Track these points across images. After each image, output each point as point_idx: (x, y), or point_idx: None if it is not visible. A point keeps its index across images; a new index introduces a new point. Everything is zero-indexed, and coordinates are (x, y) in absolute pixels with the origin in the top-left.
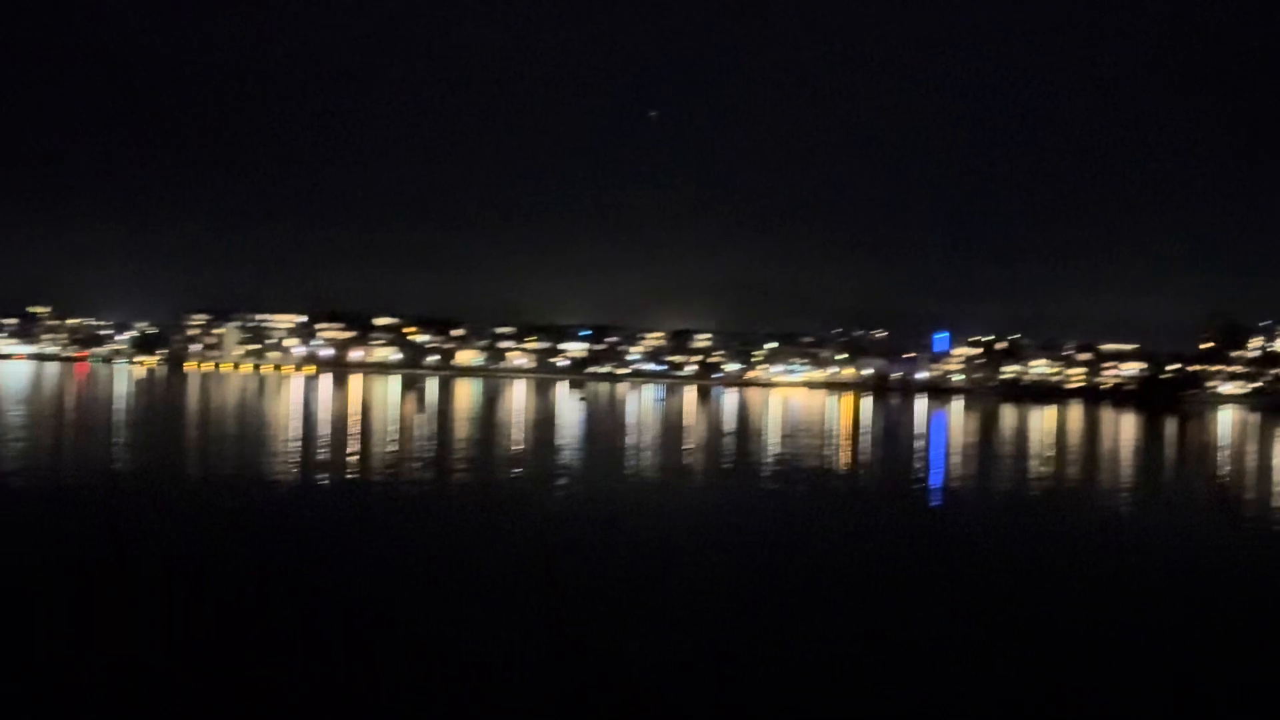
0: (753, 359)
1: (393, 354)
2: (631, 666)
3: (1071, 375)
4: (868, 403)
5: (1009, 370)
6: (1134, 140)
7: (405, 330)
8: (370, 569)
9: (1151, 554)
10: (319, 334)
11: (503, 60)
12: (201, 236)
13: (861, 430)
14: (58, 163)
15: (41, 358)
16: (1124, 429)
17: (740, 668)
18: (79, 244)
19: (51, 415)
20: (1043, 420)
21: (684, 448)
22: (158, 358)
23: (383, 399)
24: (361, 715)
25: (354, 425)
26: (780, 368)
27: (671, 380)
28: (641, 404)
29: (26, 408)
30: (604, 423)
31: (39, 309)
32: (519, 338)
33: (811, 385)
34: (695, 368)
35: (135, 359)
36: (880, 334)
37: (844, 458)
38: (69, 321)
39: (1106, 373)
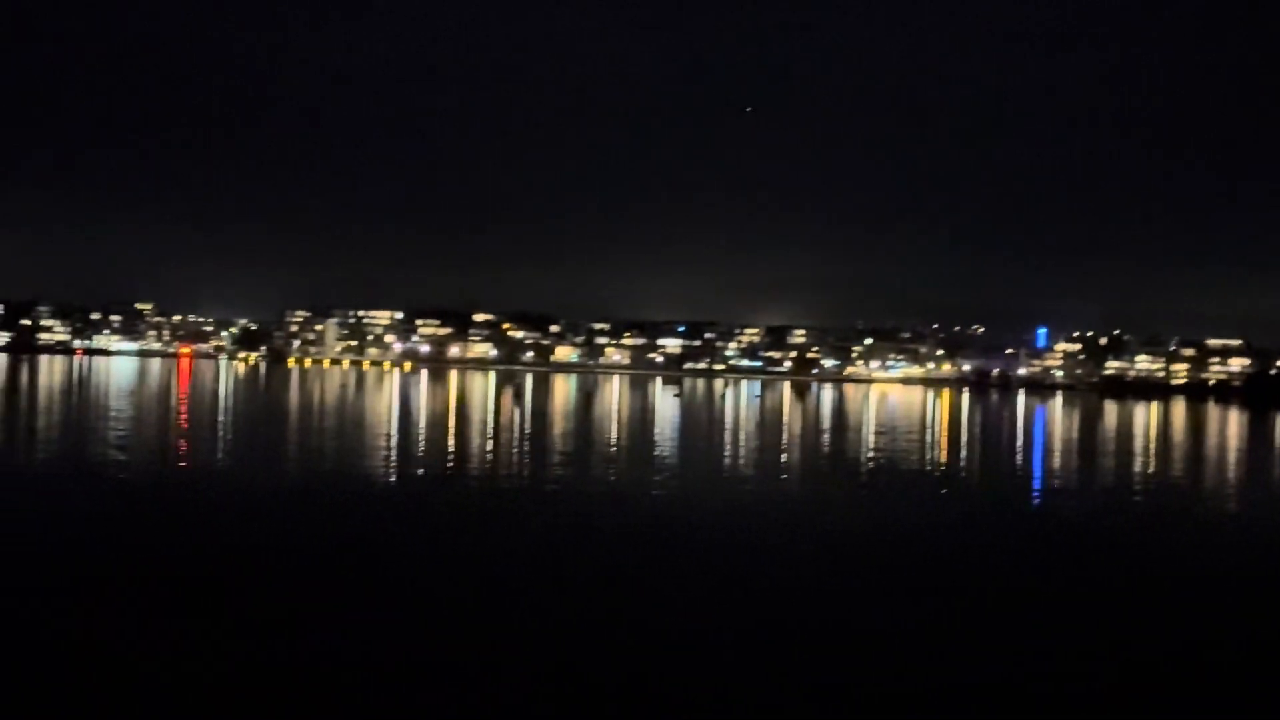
0: (850, 355)
1: (490, 350)
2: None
3: (1175, 371)
4: (967, 399)
5: (1111, 366)
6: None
7: (502, 327)
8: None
9: None
10: (417, 330)
11: (597, 60)
12: (303, 234)
13: (964, 427)
14: (161, 159)
15: (145, 353)
16: (1232, 427)
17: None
18: (183, 241)
19: (172, 410)
20: (1147, 417)
21: (782, 445)
22: (259, 353)
23: (481, 395)
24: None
25: (460, 421)
26: (878, 364)
27: (768, 376)
28: (738, 400)
29: (141, 403)
30: (701, 419)
31: (143, 305)
32: (615, 334)
33: (909, 381)
34: (792, 364)
35: (237, 355)
36: (978, 329)
37: (948, 456)
38: (173, 318)
39: (1212, 369)
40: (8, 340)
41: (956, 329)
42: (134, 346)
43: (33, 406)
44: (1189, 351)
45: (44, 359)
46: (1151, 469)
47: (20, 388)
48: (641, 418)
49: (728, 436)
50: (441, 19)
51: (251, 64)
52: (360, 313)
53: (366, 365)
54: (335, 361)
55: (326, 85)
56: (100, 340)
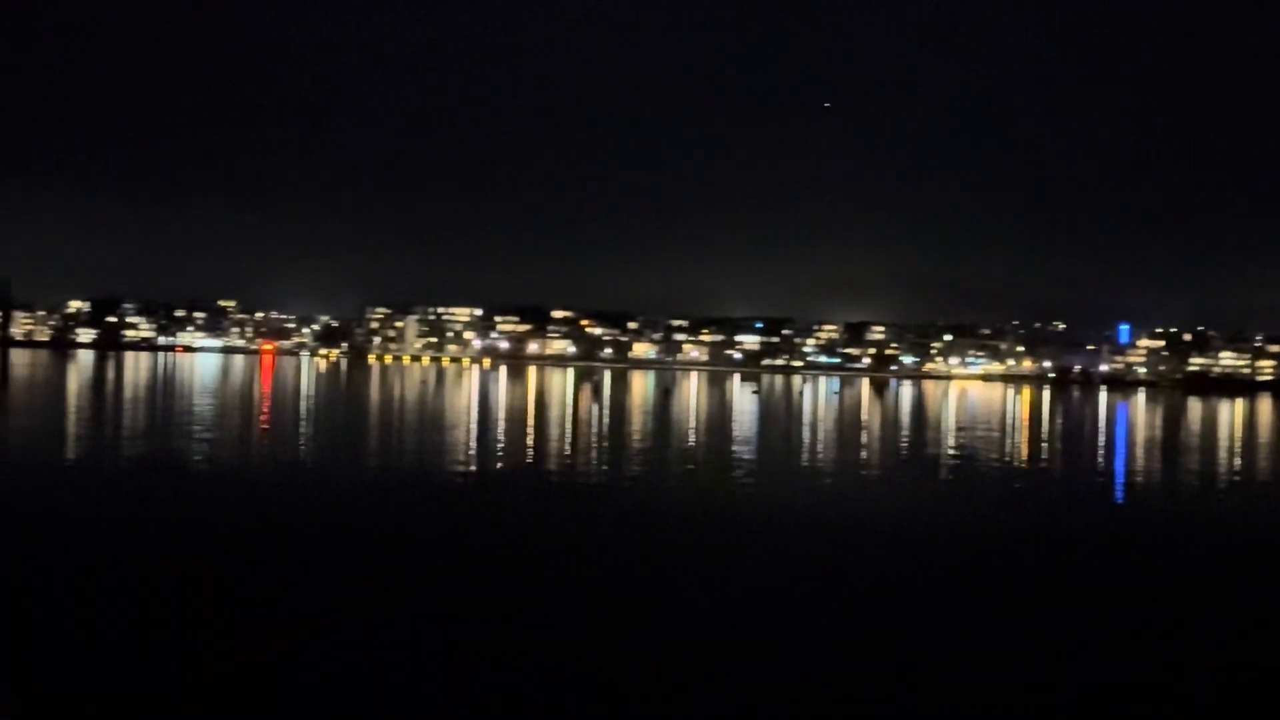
0: (930, 351)
1: (568, 347)
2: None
3: (1261, 368)
4: (1048, 396)
5: (1195, 363)
6: None
7: (581, 323)
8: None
9: None
10: (496, 327)
11: (675, 58)
12: (384, 231)
13: (1046, 424)
14: (245, 157)
15: (228, 350)
16: None
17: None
18: (266, 238)
19: (255, 405)
20: (1232, 414)
21: (861, 441)
22: (340, 350)
23: (560, 391)
24: None
25: (539, 417)
26: (957, 360)
27: (846, 373)
28: (816, 397)
29: (226, 399)
30: (779, 415)
31: (226, 303)
32: (693, 331)
33: (989, 378)
34: (870, 360)
35: (319, 351)
36: (1060, 326)
37: (1031, 451)
38: (256, 315)
39: None
40: (94, 337)
41: (1037, 325)
42: (217, 343)
43: (119, 403)
44: (1275, 348)
45: (129, 355)
46: (1239, 465)
47: (108, 384)
48: (720, 414)
49: (806, 433)
50: (519, 15)
51: (335, 60)
52: (440, 309)
53: (446, 362)
54: (415, 358)
55: (408, 81)
56: (184, 337)
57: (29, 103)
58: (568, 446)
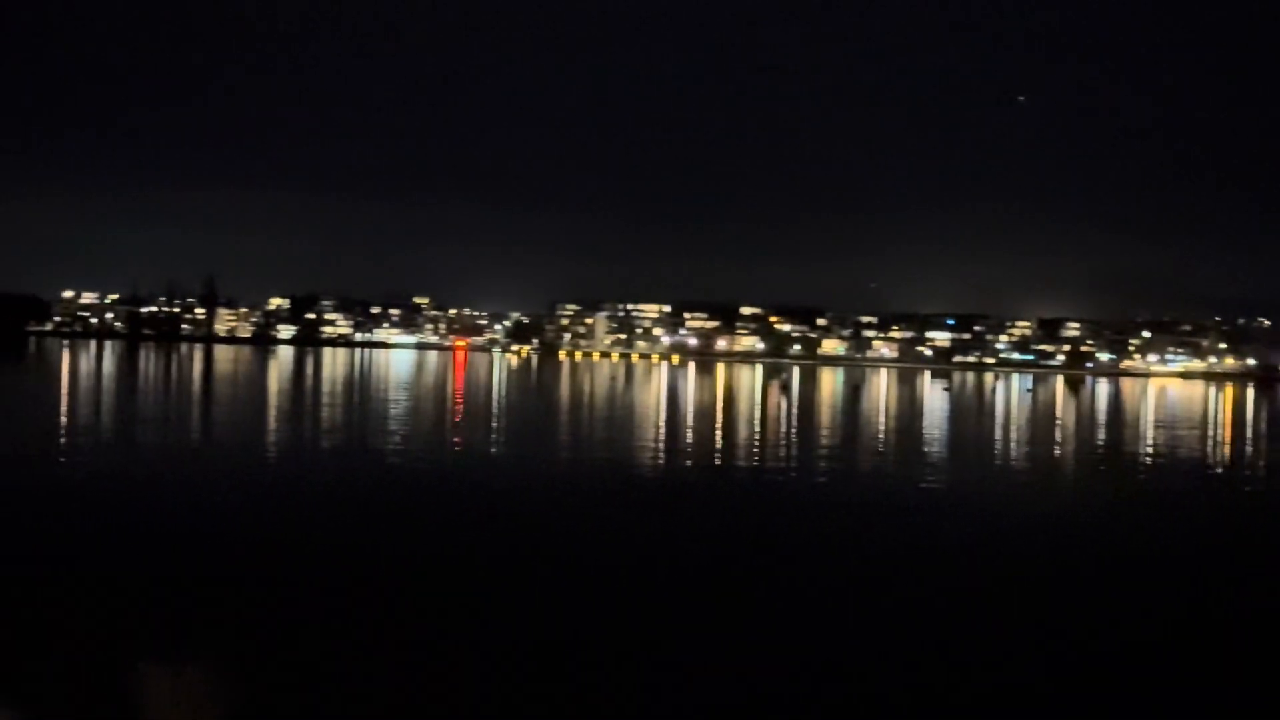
0: (1127, 348)
1: (756, 343)
2: None
3: None
4: (1251, 395)
5: None
6: None
7: (769, 320)
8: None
9: None
10: (685, 324)
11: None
12: (575, 228)
13: (1250, 424)
14: (438, 155)
15: (422, 346)
16: None
17: None
18: (460, 237)
19: (449, 400)
20: None
21: (1055, 439)
22: (531, 346)
23: (749, 387)
24: None
25: (728, 413)
26: (1156, 357)
27: (1040, 370)
28: (1009, 394)
29: (421, 393)
30: (971, 413)
31: (421, 299)
32: (883, 327)
33: (1189, 376)
34: (1065, 357)
35: (510, 347)
36: (1264, 322)
37: (1233, 455)
38: (449, 311)
39: None
40: (294, 334)
41: (1241, 321)
42: (411, 339)
43: (316, 397)
44: None
45: (326, 351)
46: None
47: (308, 378)
48: (910, 411)
49: (998, 430)
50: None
51: (526, 61)
52: (629, 306)
53: (635, 358)
54: (605, 354)
55: (601, 80)
56: (380, 333)
57: (233, 111)
58: (756, 443)
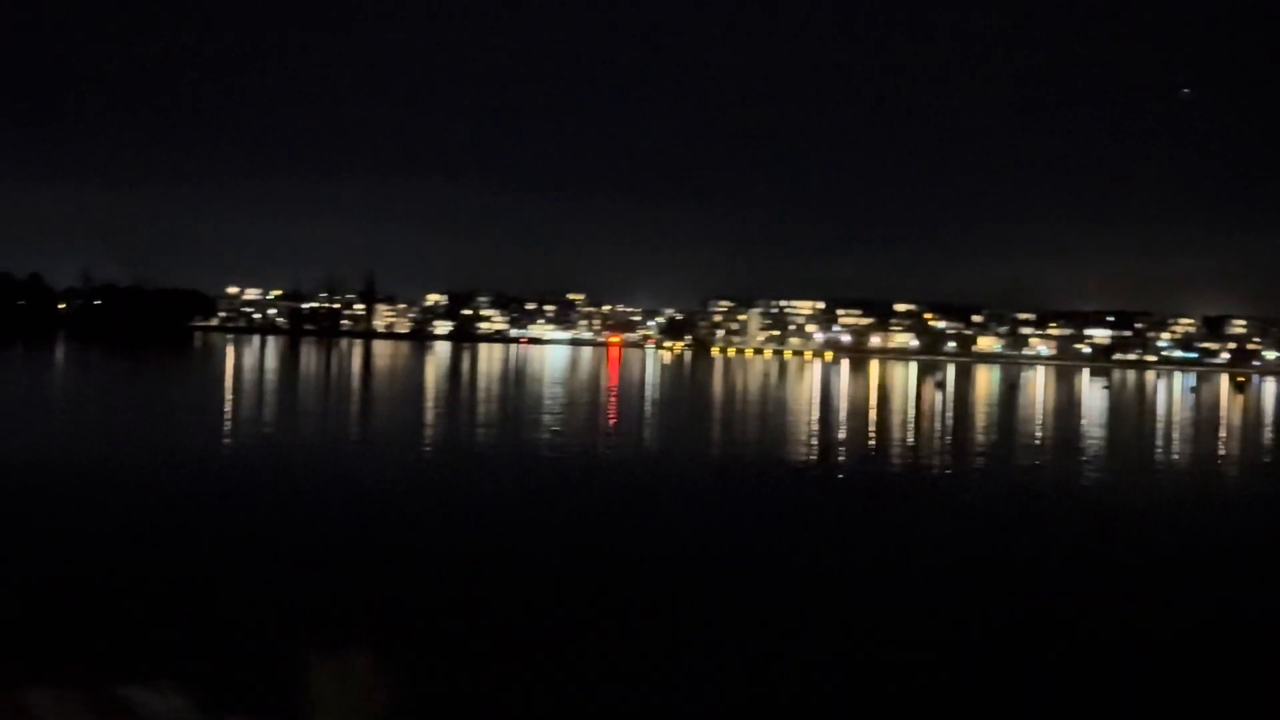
0: None
1: (910, 340)
2: None
3: None
4: None
5: None
6: None
7: (924, 317)
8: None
9: None
10: (838, 320)
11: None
12: (728, 225)
13: None
14: (590, 154)
15: (576, 342)
16: None
17: None
18: (614, 233)
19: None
20: None
21: (1219, 439)
22: (684, 342)
23: (903, 385)
24: None
25: (881, 410)
26: None
27: (1203, 369)
28: (1171, 393)
29: (576, 389)
30: (1131, 412)
31: (575, 295)
32: (1040, 324)
33: None
34: (1230, 355)
35: (663, 344)
36: None
37: None
38: (603, 308)
39: None
40: (450, 329)
41: None
42: (566, 335)
43: (473, 391)
44: None
45: (482, 347)
46: None
47: (464, 374)
48: (1068, 410)
49: (1159, 430)
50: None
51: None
52: (782, 302)
53: (788, 355)
54: (757, 351)
55: (758, 77)
56: (534, 329)
57: (392, 108)
58: (909, 441)
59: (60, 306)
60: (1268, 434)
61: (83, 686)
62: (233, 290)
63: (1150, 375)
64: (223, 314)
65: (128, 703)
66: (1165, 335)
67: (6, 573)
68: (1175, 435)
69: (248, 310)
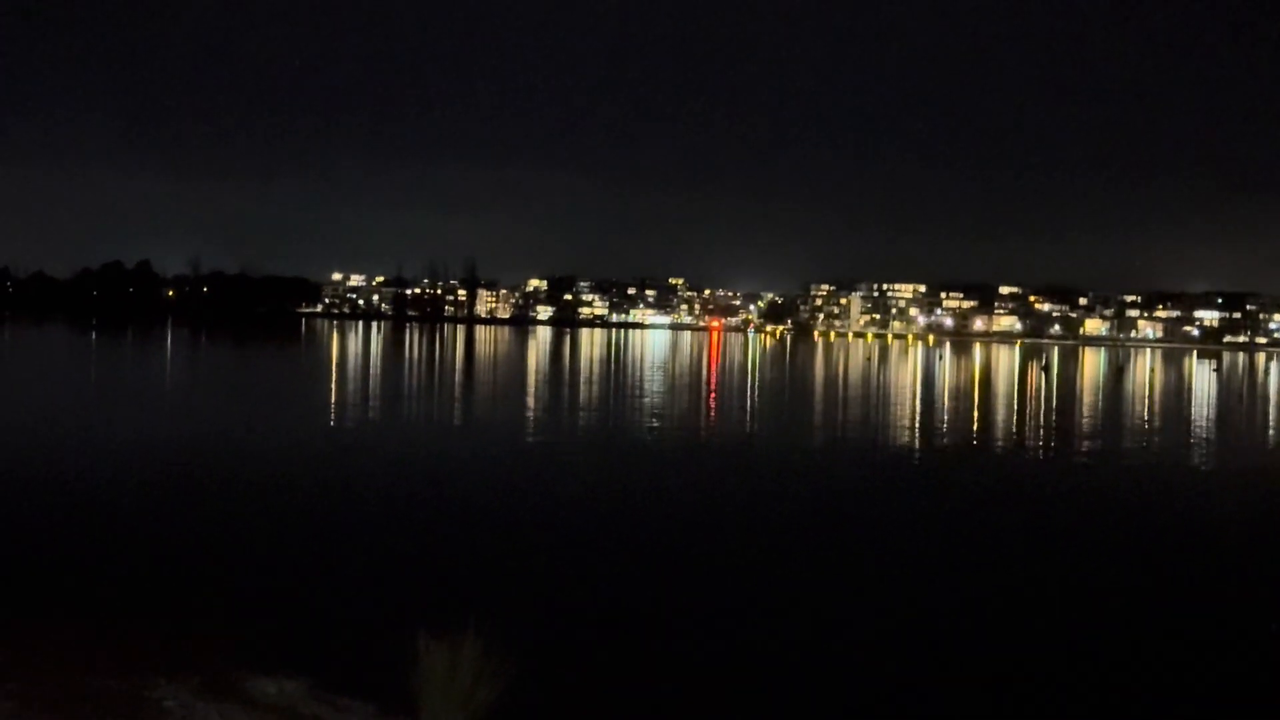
0: None
1: (1015, 324)
2: None
3: None
4: None
5: None
6: None
7: (1029, 299)
8: None
9: None
10: (941, 303)
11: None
12: (828, 207)
13: None
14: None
15: (677, 327)
16: None
17: None
18: (715, 217)
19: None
20: None
21: None
22: (785, 326)
23: (1008, 369)
24: None
25: (984, 395)
26: None
27: None
28: None
29: (679, 372)
30: (1240, 395)
31: (675, 280)
32: (1147, 306)
33: None
34: None
35: (764, 328)
36: None
37: None
38: (704, 292)
39: None
40: (551, 314)
41: None
42: (666, 320)
43: (575, 374)
44: None
45: (584, 332)
46: None
47: (567, 356)
48: (1176, 393)
49: (1271, 414)
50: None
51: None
52: (884, 286)
53: (890, 338)
54: (859, 334)
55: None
56: (635, 314)
57: (494, 95)
58: (1014, 426)
59: (169, 294)
60: None
61: (199, 670)
62: (337, 277)
63: (1260, 357)
64: (327, 300)
65: (242, 686)
66: (1277, 317)
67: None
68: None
69: (352, 296)
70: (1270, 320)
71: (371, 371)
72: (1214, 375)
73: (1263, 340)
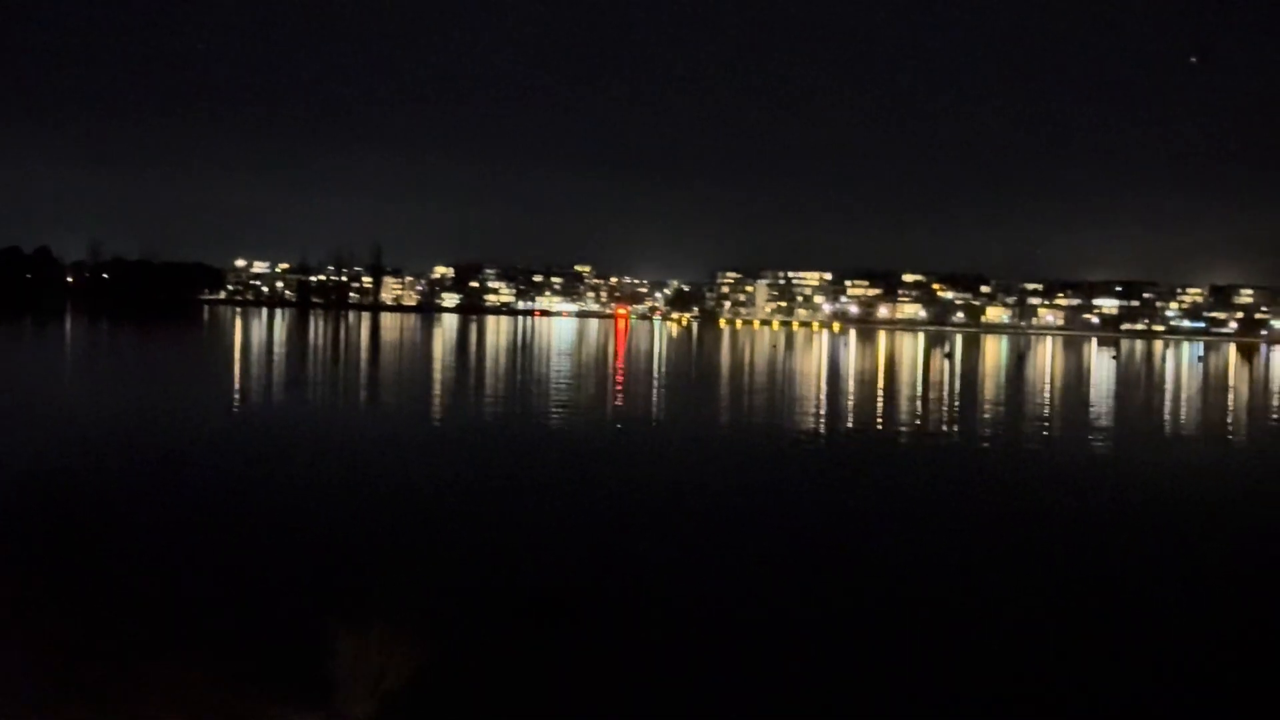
0: None
1: (919, 311)
2: None
3: None
4: None
5: None
6: None
7: (932, 287)
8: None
9: None
10: (846, 291)
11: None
12: (733, 197)
13: None
14: (600, 124)
15: (583, 314)
16: None
17: None
18: (621, 205)
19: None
20: None
21: (1228, 408)
22: (691, 314)
23: (911, 356)
24: None
25: (889, 381)
26: None
27: (1211, 338)
28: (1179, 363)
29: (585, 360)
30: (1138, 381)
31: (582, 268)
32: (1048, 294)
33: None
34: (1238, 325)
35: (670, 315)
36: None
37: None
38: (610, 280)
39: None
40: (457, 302)
41: None
42: (572, 308)
43: (481, 362)
44: None
45: (490, 319)
46: None
47: (471, 345)
48: (1076, 379)
49: (1167, 400)
50: None
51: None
52: (790, 274)
53: (796, 326)
54: (765, 322)
55: (763, 53)
56: (542, 301)
57: (397, 82)
58: (917, 411)
59: (68, 280)
60: (1273, 401)
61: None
62: (240, 264)
63: (1158, 345)
64: (230, 287)
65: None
66: (1173, 305)
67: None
68: (1180, 403)
69: (255, 283)
70: (1167, 308)
71: (274, 359)
72: (1113, 363)
73: (1160, 328)
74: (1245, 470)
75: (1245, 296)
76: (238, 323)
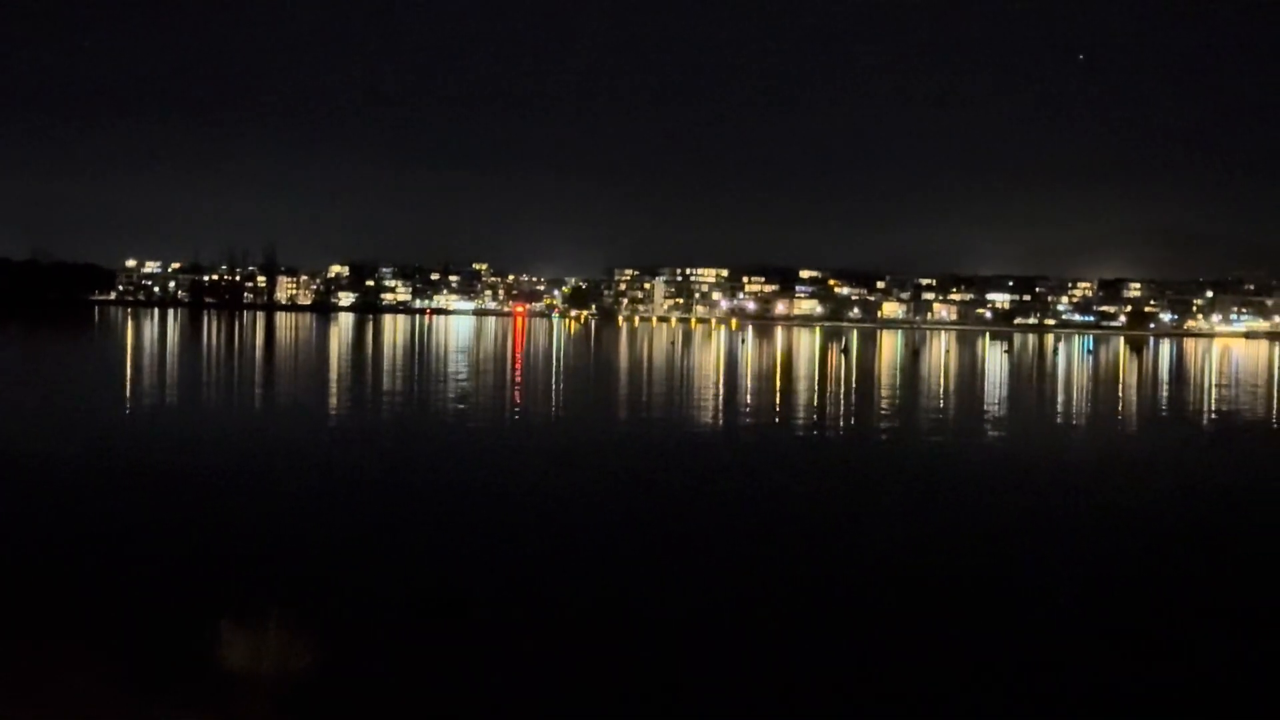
0: (1191, 309)
1: (815, 307)
2: None
3: None
4: None
5: None
6: None
7: (828, 283)
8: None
9: None
10: (743, 288)
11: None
12: (631, 194)
13: None
14: (492, 126)
15: (481, 312)
16: None
17: None
18: (517, 203)
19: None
20: None
21: (1117, 398)
22: (589, 311)
23: (808, 351)
24: None
25: (786, 377)
26: (1219, 318)
27: (1101, 331)
28: (1070, 356)
29: (483, 358)
30: (1031, 374)
31: (479, 265)
32: (942, 290)
33: (1253, 335)
34: (1127, 319)
35: (568, 313)
36: None
37: None
38: (508, 278)
39: None
40: (353, 301)
41: None
42: (470, 306)
43: (377, 362)
44: None
45: (387, 318)
46: None
47: (369, 345)
48: (971, 373)
49: (1060, 391)
50: None
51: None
52: (687, 271)
53: (694, 323)
54: (663, 319)
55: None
56: (439, 299)
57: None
58: (815, 405)
59: None
60: (1156, 393)
61: None
62: (131, 264)
63: (1050, 339)
64: (121, 288)
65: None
66: (1064, 299)
67: None
68: (1075, 395)
69: (147, 284)
70: (1058, 302)
71: (166, 360)
72: (1005, 356)
73: (1051, 322)
74: (1109, 451)
75: (1134, 290)
76: (129, 324)
